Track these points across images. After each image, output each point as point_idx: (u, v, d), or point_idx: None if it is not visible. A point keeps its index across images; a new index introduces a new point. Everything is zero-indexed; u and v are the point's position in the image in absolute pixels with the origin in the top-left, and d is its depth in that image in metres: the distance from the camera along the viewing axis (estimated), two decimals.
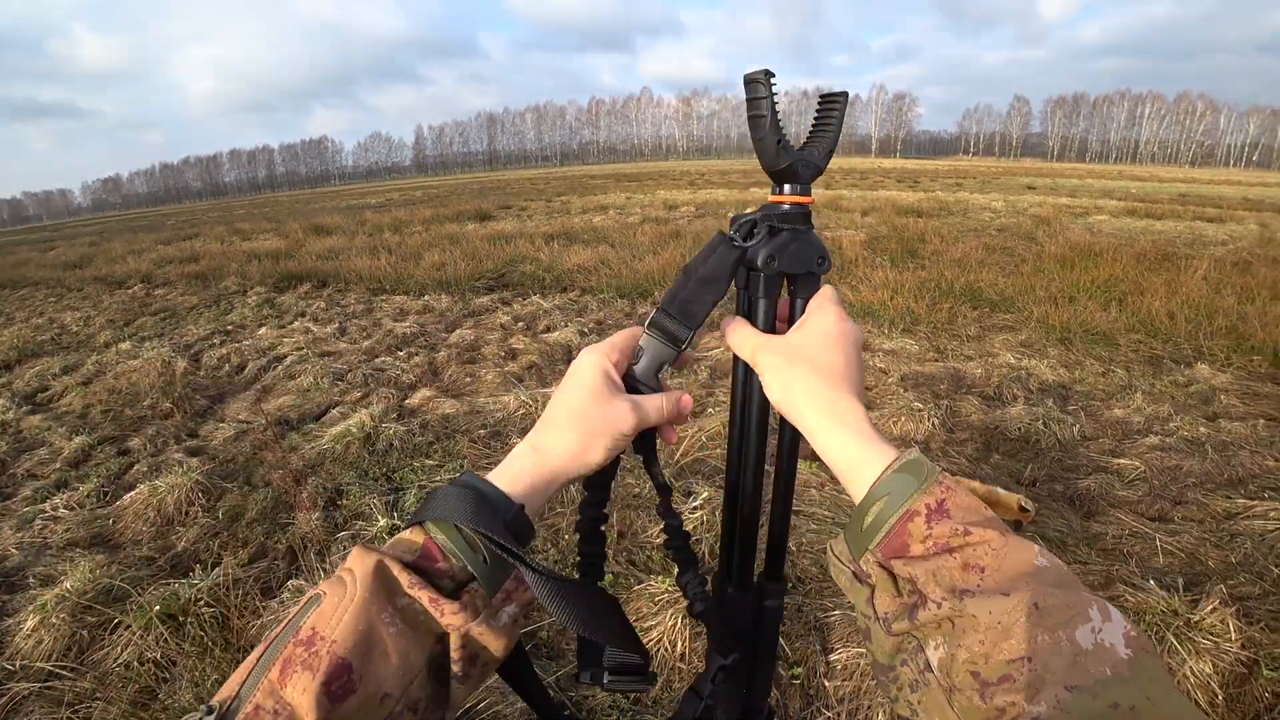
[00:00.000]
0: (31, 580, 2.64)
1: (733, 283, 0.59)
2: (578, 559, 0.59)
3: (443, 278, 7.79)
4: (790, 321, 0.59)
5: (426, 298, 7.16)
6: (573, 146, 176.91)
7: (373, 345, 5.53)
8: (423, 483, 3.15)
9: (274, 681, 0.40)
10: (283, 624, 0.43)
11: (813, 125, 0.57)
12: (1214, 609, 2.10)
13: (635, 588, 2.33)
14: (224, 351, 5.53)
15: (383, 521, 2.77)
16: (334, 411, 4.16)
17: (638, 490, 2.96)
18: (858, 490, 0.48)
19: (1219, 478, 3.11)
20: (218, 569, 2.57)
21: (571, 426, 0.53)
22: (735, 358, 0.60)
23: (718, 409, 3.74)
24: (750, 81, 0.53)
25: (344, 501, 3.05)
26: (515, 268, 8.28)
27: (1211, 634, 2.03)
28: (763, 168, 0.56)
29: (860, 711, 1.87)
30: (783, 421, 0.58)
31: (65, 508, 3.17)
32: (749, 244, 0.57)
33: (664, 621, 2.11)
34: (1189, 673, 1.93)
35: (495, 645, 0.47)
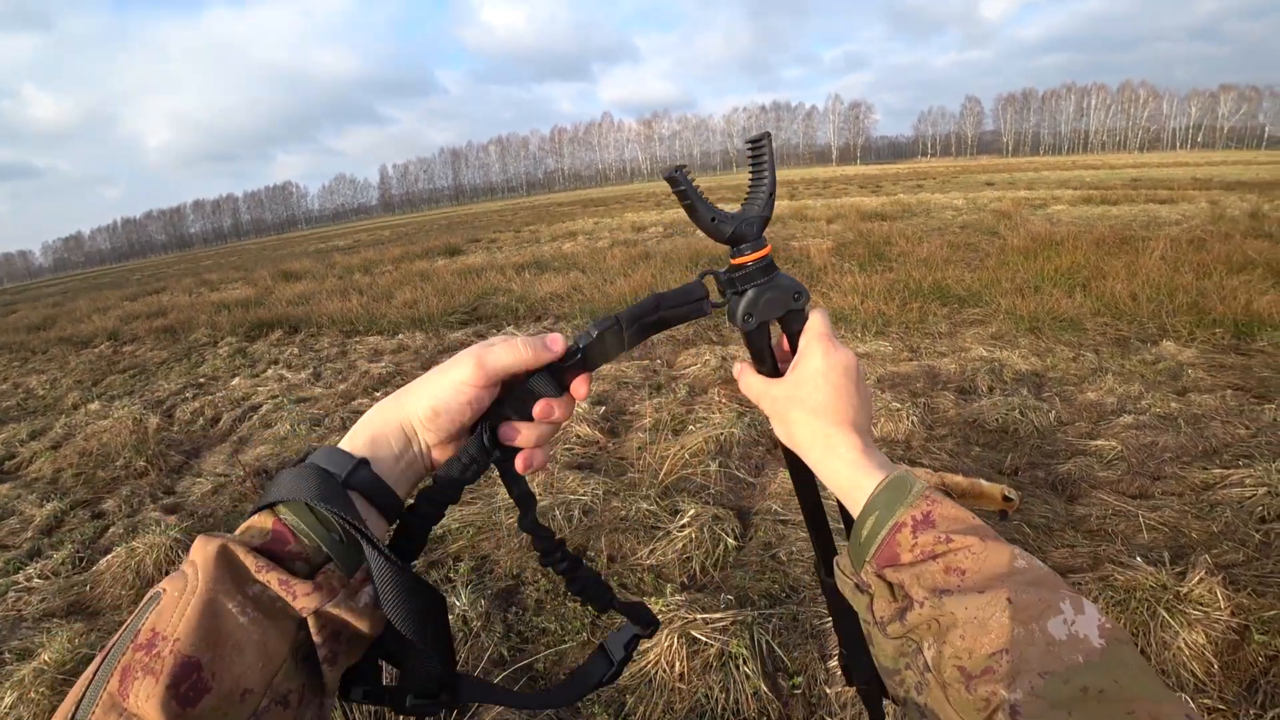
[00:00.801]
0: (7, 655, 2.55)
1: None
2: (394, 533, 0.52)
3: (415, 315, 7.75)
4: (792, 354, 0.62)
5: (400, 336, 7.11)
6: (538, 175, 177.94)
7: (349, 388, 5.47)
8: None
9: (114, 694, 0.36)
10: (120, 630, 0.39)
11: (749, 178, 0.60)
12: (1201, 579, 2.13)
13: None
14: (197, 405, 5.43)
15: None
16: None
17: (623, 513, 2.94)
18: (855, 510, 0.52)
19: (1194, 450, 3.17)
20: None
21: (418, 382, 0.52)
22: None
23: (698, 426, 3.75)
24: (671, 180, 0.55)
25: None
26: (488, 300, 8.26)
27: (1201, 604, 2.06)
28: (718, 242, 0.59)
29: (863, 715, 1.86)
30: None
31: (39, 577, 3.08)
32: (729, 310, 0.61)
33: (660, 643, 2.09)
34: (1183, 644, 1.95)
35: (361, 624, 0.44)
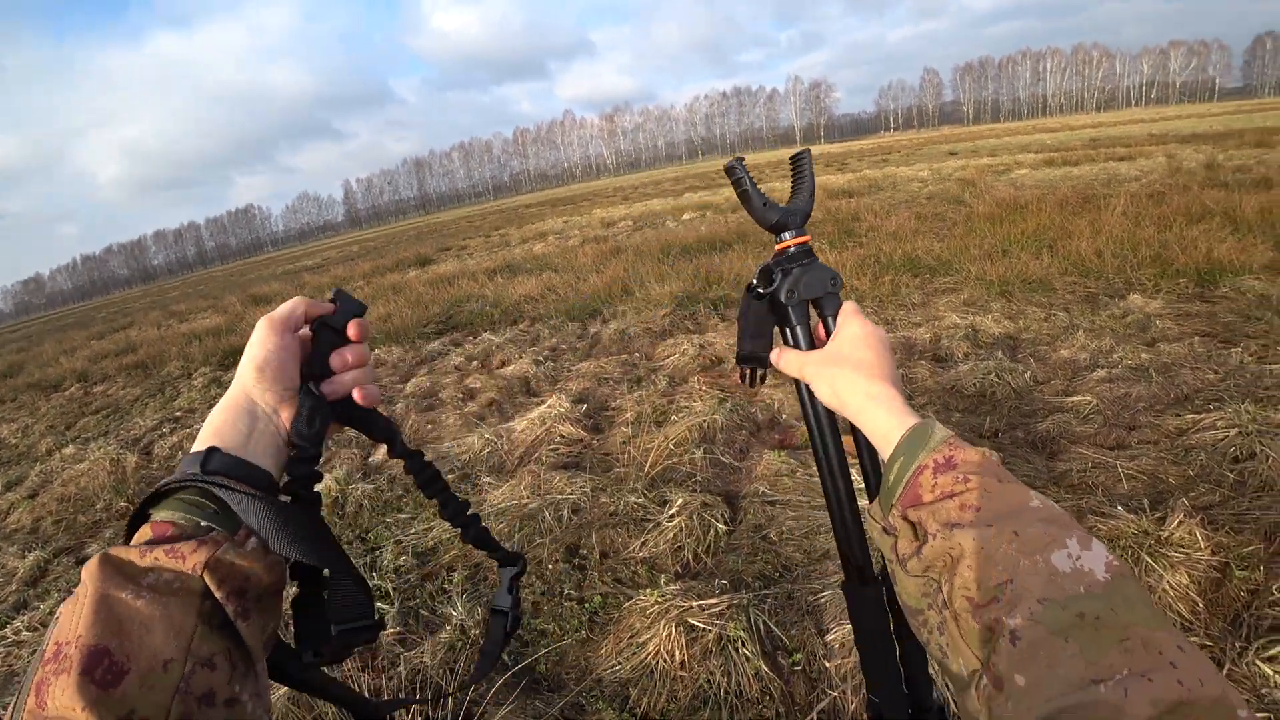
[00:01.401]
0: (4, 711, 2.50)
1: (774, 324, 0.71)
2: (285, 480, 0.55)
3: (390, 329, 7.68)
4: (826, 338, 0.68)
5: (376, 352, 7.04)
6: (504, 179, 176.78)
7: None
8: (397, 538, 3.08)
9: (33, 710, 0.37)
10: (30, 667, 0.40)
11: (791, 181, 0.72)
12: (1180, 522, 2.17)
13: (625, 604, 2.31)
14: (175, 439, 5.34)
15: None
16: None
17: (612, 509, 2.94)
18: (886, 454, 0.55)
19: (1166, 398, 3.24)
20: None
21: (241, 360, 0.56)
22: (798, 385, 0.69)
23: (680, 415, 3.76)
24: (729, 170, 0.68)
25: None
26: (462, 307, 8.21)
27: (1182, 546, 2.11)
28: (764, 228, 0.70)
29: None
30: (854, 430, 0.65)
31: (28, 629, 3.01)
32: (771, 289, 0.69)
33: (658, 633, 2.10)
34: (1168, 586, 2.00)
35: (259, 570, 0.45)
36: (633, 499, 2.96)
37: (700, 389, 4.16)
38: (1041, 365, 3.88)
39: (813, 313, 0.70)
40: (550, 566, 2.64)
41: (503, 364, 5.72)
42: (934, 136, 52.05)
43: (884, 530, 0.54)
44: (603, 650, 2.18)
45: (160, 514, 0.46)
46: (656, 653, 2.07)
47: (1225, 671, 1.74)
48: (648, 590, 2.31)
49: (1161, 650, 0.35)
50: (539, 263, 10.70)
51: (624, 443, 3.61)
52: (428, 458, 0.60)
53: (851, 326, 0.65)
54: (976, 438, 3.17)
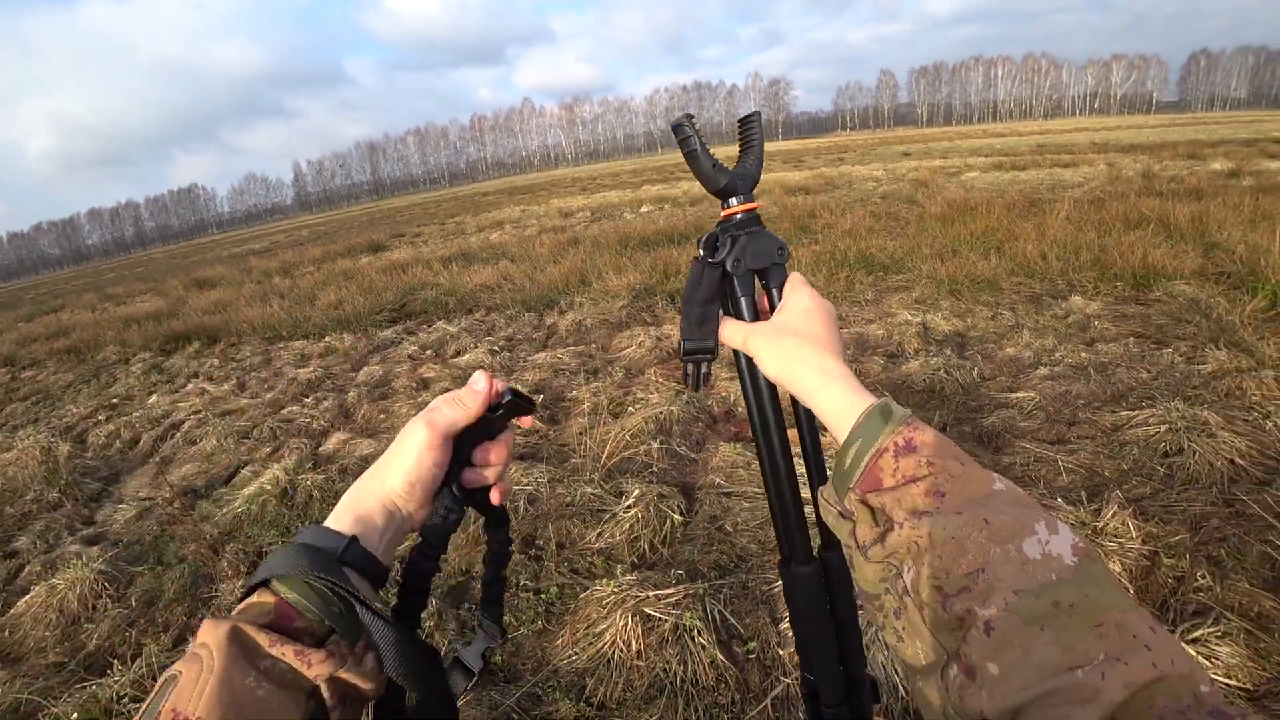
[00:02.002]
0: None
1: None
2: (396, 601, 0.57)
3: (341, 316, 7.49)
4: (770, 311, 0.65)
5: (327, 339, 6.86)
6: (460, 165, 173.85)
7: (276, 396, 5.25)
8: None
9: None
10: (139, 714, 0.41)
11: (739, 145, 0.66)
12: (1114, 513, 2.28)
13: (582, 595, 2.32)
14: (112, 427, 5.11)
15: None
16: (244, 471, 3.92)
17: (569, 500, 2.94)
18: (842, 436, 0.52)
19: (1103, 395, 3.39)
20: (139, 660, 2.37)
21: (383, 459, 0.56)
22: (737, 356, 0.65)
23: (637, 407, 3.77)
24: (676, 126, 0.61)
25: None
26: (416, 295, 8.05)
27: (1115, 536, 2.21)
28: (710, 192, 0.64)
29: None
30: (795, 406, 0.64)
31: None
32: (719, 256, 0.64)
33: (615, 623, 2.11)
34: None
35: (367, 686, 0.47)
36: (589, 490, 2.96)
37: (657, 381, 4.18)
38: (988, 362, 4.01)
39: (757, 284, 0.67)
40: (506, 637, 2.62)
41: (457, 353, 5.64)
42: (889, 137, 53.16)
43: (840, 515, 0.52)
44: (559, 641, 2.18)
45: (288, 592, 0.46)
46: (613, 643, 2.08)
47: None
48: (604, 581, 2.32)
49: (1135, 633, 0.36)
50: (495, 252, 10.57)
51: (581, 433, 3.60)
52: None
53: (800, 298, 0.62)
54: None
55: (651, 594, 2.20)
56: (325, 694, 0.44)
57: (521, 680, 2.06)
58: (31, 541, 3.49)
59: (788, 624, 2.09)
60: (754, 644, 2.06)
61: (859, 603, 0.55)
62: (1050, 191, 9.70)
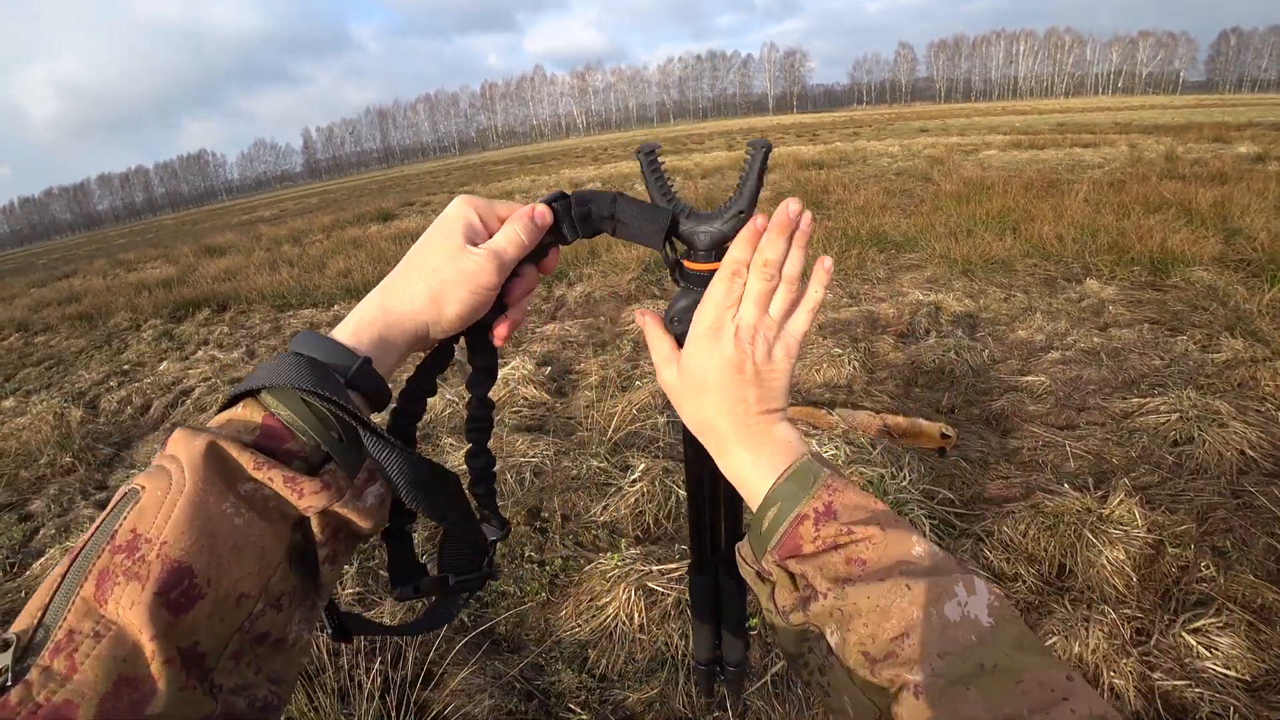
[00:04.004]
0: None
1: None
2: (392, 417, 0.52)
3: (350, 284, 7.49)
4: None
5: (336, 308, 6.88)
6: (470, 134, 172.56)
7: None
8: None
9: (90, 599, 0.33)
10: (92, 530, 0.35)
11: (736, 185, 0.57)
12: (1121, 501, 2.27)
13: (585, 568, 2.34)
14: (124, 394, 5.16)
15: None
16: None
17: (574, 473, 2.95)
18: (754, 500, 0.51)
19: (1115, 381, 3.36)
20: None
21: (423, 275, 0.49)
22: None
23: (644, 380, 3.77)
24: (644, 153, 0.57)
25: None
26: None
27: (1120, 524, 2.20)
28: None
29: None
30: None
31: None
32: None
33: (618, 596, 2.13)
34: (1105, 561, 2.09)
35: (363, 524, 0.43)
36: (595, 463, 2.97)
37: None
38: (999, 344, 3.98)
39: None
40: (512, 529, 2.64)
41: None
42: (906, 112, 52.30)
43: (758, 575, 0.52)
44: (563, 613, 2.20)
45: (279, 408, 0.41)
46: (616, 615, 2.10)
47: (1153, 642, 1.84)
48: (608, 554, 2.34)
49: (1053, 688, 0.37)
50: None
51: (588, 407, 3.61)
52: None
53: (695, 357, 0.54)
54: (934, 413, 3.24)
55: (655, 568, 2.22)
56: (315, 528, 0.40)
57: (525, 650, 2.09)
58: (45, 505, 3.55)
59: None
60: (756, 621, 2.08)
61: (786, 663, 0.57)
62: (1069, 172, 9.54)
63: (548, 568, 2.42)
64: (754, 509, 0.51)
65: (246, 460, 0.38)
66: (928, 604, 0.42)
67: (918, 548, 0.45)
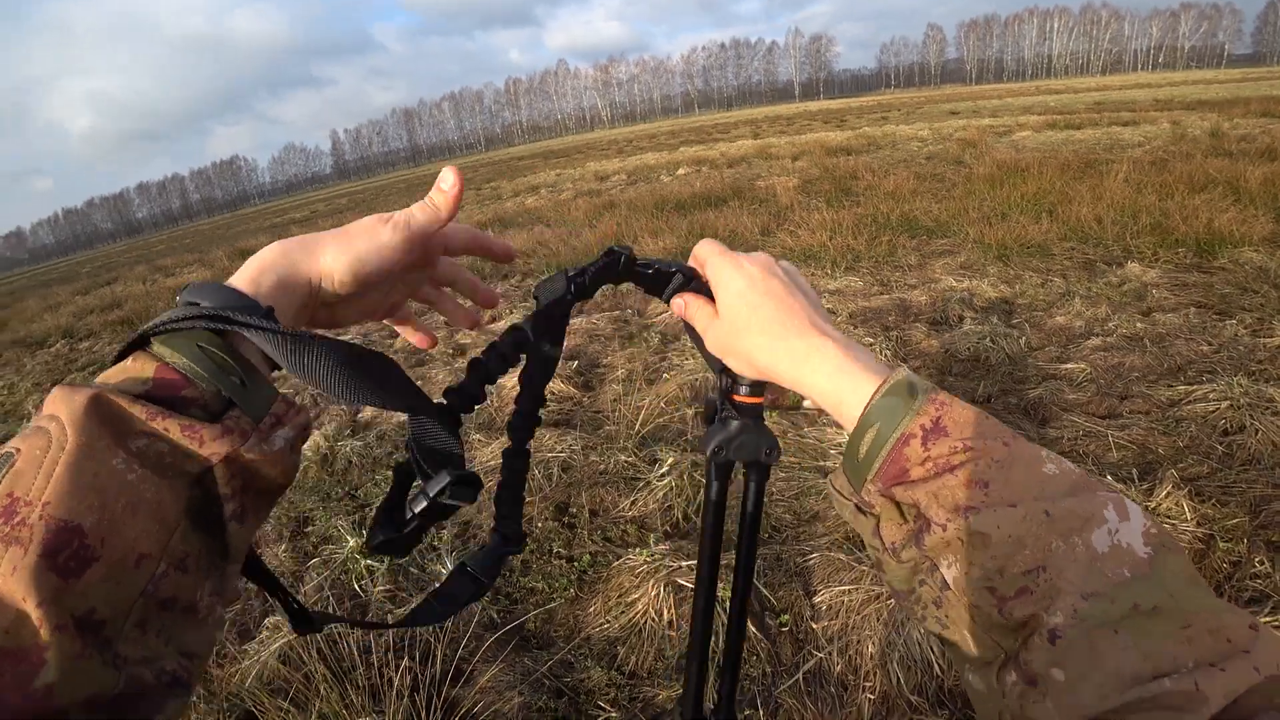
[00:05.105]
0: None
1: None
2: None
3: None
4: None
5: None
6: (495, 130, 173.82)
7: None
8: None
9: None
10: None
11: None
12: (1168, 493, 2.18)
13: (614, 563, 2.32)
14: None
15: (351, 541, 2.70)
16: None
17: (602, 467, 2.94)
18: (848, 422, 0.45)
19: (1159, 368, 3.23)
20: None
21: (331, 234, 0.47)
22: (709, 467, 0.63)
23: (672, 374, 3.74)
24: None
25: (310, 528, 2.96)
26: None
27: (1169, 517, 2.12)
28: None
29: (851, 648, 1.90)
30: (737, 545, 0.65)
31: None
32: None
33: (647, 592, 2.11)
34: None
35: (274, 471, 0.39)
36: (623, 458, 2.96)
37: (693, 346, 4.13)
38: (1036, 331, 3.86)
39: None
40: (540, 525, 2.64)
41: (492, 320, 5.66)
42: (935, 95, 51.20)
43: (857, 508, 0.45)
44: (592, 609, 2.19)
45: (174, 356, 0.37)
46: (645, 612, 2.08)
47: None
48: (637, 549, 2.32)
49: (1230, 638, 0.31)
50: (531, 216, 10.54)
51: (615, 400, 3.59)
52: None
53: (731, 282, 0.52)
54: (970, 402, 3.16)
55: (684, 564, 2.19)
56: (221, 481, 0.37)
57: (555, 647, 2.08)
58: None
59: (821, 598, 2.07)
60: (786, 617, 2.05)
61: (895, 601, 0.51)
62: (1108, 152, 9.24)
63: (576, 563, 2.41)
64: (848, 431, 0.45)
65: (138, 411, 0.35)
66: (1071, 531, 0.36)
67: (1050, 465, 0.39)
